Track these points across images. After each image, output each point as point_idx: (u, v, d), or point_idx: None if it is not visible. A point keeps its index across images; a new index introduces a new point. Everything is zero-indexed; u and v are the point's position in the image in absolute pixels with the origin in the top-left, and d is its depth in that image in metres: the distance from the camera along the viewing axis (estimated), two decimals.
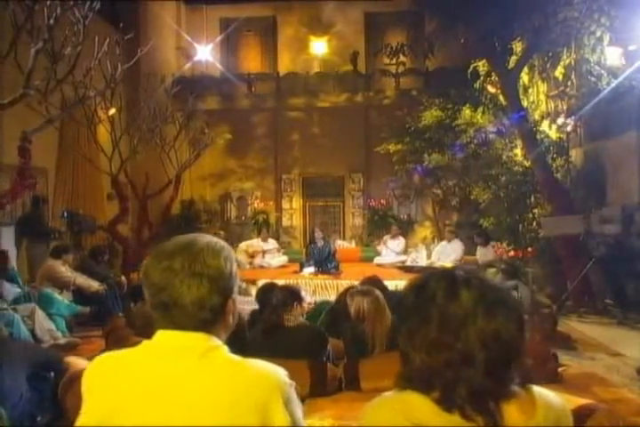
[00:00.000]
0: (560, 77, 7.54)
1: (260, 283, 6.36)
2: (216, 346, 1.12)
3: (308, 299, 3.79)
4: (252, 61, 14.10)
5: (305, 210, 13.47)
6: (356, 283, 4.83)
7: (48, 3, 4.92)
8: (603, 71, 7.02)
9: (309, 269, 8.57)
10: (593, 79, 7.14)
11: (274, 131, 13.21)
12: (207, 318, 1.11)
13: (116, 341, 3.60)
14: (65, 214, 8.17)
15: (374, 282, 4.39)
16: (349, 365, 2.98)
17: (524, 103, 8.00)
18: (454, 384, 0.98)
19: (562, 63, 7.35)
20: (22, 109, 5.56)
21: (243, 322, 3.67)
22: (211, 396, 1.04)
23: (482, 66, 8.49)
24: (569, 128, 8.10)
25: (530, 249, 7.92)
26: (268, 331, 3.21)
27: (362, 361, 2.97)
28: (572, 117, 7.95)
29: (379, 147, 11.16)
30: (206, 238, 1.17)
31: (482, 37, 7.44)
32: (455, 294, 1.03)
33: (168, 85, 10.02)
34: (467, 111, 9.35)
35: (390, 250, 10.09)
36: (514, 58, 7.74)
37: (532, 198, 8.29)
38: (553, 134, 8.14)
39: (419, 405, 1.00)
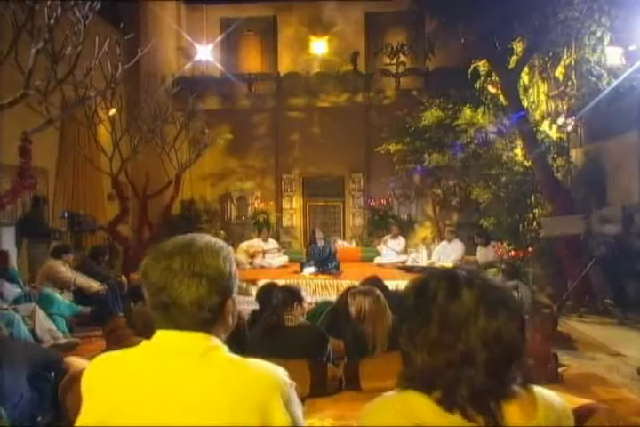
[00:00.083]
0: (560, 77, 7.54)
1: (261, 283, 6.36)
2: (216, 346, 1.12)
3: (309, 299, 3.78)
4: (252, 61, 14.11)
5: (305, 210, 13.48)
6: (357, 283, 4.84)
7: (49, 3, 4.92)
8: (603, 71, 7.01)
9: (310, 270, 8.57)
10: (593, 79, 7.13)
11: (274, 131, 13.21)
12: (206, 318, 1.11)
13: (116, 341, 3.60)
14: (65, 214, 8.17)
15: (375, 282, 4.39)
16: (350, 365, 2.98)
17: (525, 103, 8.00)
18: (455, 384, 0.98)
19: (562, 63, 7.34)
20: (22, 110, 5.55)
21: (243, 322, 3.67)
22: (210, 396, 1.04)
23: (482, 66, 8.49)
24: (569, 128, 8.10)
25: (530, 249, 7.91)
26: (268, 331, 3.21)
27: (362, 361, 2.97)
28: (573, 117, 7.94)
29: (379, 147, 11.15)
30: (205, 238, 1.17)
31: (482, 37, 7.43)
32: (456, 294, 1.03)
33: (168, 85, 10.05)
34: (467, 111, 9.35)
35: (390, 249, 10.10)
36: (514, 58, 7.74)
37: (533, 198, 8.28)
38: (553, 134, 8.14)
39: (420, 405, 1.00)
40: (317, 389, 2.76)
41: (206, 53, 12.26)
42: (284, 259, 10.26)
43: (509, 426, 0.97)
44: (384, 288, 4.24)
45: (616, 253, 6.46)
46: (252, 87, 13.19)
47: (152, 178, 9.43)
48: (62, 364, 2.88)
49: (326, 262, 8.72)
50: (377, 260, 10.11)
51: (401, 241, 10.24)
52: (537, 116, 8.22)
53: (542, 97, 8.14)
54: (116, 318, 4.59)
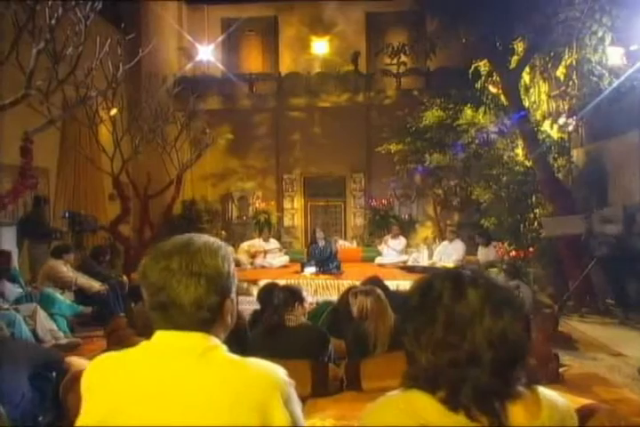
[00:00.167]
0: (561, 77, 7.53)
1: (262, 283, 6.35)
2: (215, 346, 1.12)
3: (310, 299, 3.78)
4: (253, 61, 14.12)
5: (306, 210, 13.48)
6: (358, 283, 4.83)
7: (50, 3, 4.93)
8: (604, 71, 7.00)
9: (311, 270, 8.56)
10: (594, 79, 7.13)
11: (275, 131, 13.22)
12: (205, 317, 1.11)
13: (117, 341, 3.60)
14: (66, 214, 8.17)
15: (375, 282, 4.39)
16: (351, 365, 2.98)
17: (526, 103, 7.99)
18: (460, 384, 0.98)
19: (563, 63, 7.34)
20: (24, 110, 5.56)
21: (244, 322, 3.67)
22: (210, 396, 1.04)
23: (483, 66, 8.48)
24: (570, 128, 8.09)
25: (531, 249, 7.90)
26: (269, 331, 3.21)
27: (363, 361, 2.97)
28: (574, 117, 7.93)
29: (380, 147, 11.15)
30: (203, 238, 1.17)
31: (483, 37, 7.43)
32: (462, 294, 1.03)
33: (169, 85, 10.05)
34: (468, 111, 9.34)
35: (391, 249, 10.10)
36: (515, 58, 7.74)
37: (534, 198, 8.28)
38: (554, 134, 8.13)
39: (424, 404, 1.00)
40: (318, 389, 2.76)
41: (207, 53, 12.27)
42: (285, 259, 10.25)
43: (513, 426, 0.97)
44: (385, 288, 4.24)
45: (617, 253, 6.45)
46: (253, 87, 13.20)
47: (153, 178, 9.43)
48: (63, 364, 2.88)
49: (327, 262, 8.72)
50: (378, 260, 10.11)
51: (402, 241, 10.25)
52: (538, 116, 8.22)
53: (543, 97, 8.14)
54: (117, 318, 4.60)
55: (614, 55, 6.70)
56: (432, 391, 1.00)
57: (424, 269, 8.02)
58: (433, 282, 1.08)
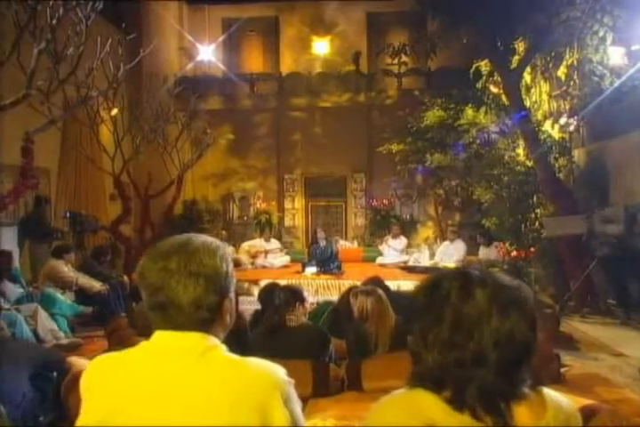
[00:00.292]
0: (563, 77, 7.52)
1: (263, 283, 6.35)
2: (214, 346, 1.12)
3: (311, 299, 3.78)
4: (254, 61, 14.11)
5: (307, 210, 13.48)
6: (359, 283, 4.83)
7: (51, 3, 4.93)
8: (605, 71, 6.99)
9: (312, 270, 8.56)
10: (596, 79, 7.12)
11: (276, 131, 13.22)
12: (204, 317, 1.11)
13: (118, 341, 3.60)
14: (67, 214, 8.18)
15: (376, 282, 4.39)
16: (352, 365, 2.98)
17: (527, 103, 7.98)
18: (466, 384, 0.98)
19: (564, 63, 7.33)
20: (24, 110, 5.56)
21: (245, 322, 3.67)
22: (210, 395, 1.04)
23: (484, 66, 8.47)
24: (572, 128, 8.08)
25: (532, 249, 7.89)
26: (270, 331, 3.20)
27: (364, 361, 2.97)
28: (575, 117, 7.92)
29: (381, 147, 11.14)
30: (201, 238, 1.17)
31: (484, 37, 7.43)
32: (470, 294, 1.02)
33: (170, 85, 10.05)
34: (469, 111, 9.33)
35: (392, 249, 10.10)
36: (516, 58, 7.72)
37: (535, 198, 8.27)
38: (555, 134, 8.12)
39: (429, 404, 0.99)
40: (319, 389, 2.76)
41: (208, 53, 12.28)
42: (285, 259, 10.26)
43: (518, 426, 0.97)
44: (386, 288, 4.23)
45: (618, 253, 6.44)
46: (254, 87, 13.20)
47: (154, 178, 9.43)
48: (64, 364, 2.88)
49: (328, 262, 8.72)
50: (379, 260, 10.11)
51: (403, 241, 10.25)
52: (539, 115, 8.21)
53: (544, 97, 8.13)
54: (117, 319, 4.61)
55: (615, 55, 6.69)
56: (437, 391, 1.00)
57: (425, 270, 8.03)
58: (441, 281, 1.08)
